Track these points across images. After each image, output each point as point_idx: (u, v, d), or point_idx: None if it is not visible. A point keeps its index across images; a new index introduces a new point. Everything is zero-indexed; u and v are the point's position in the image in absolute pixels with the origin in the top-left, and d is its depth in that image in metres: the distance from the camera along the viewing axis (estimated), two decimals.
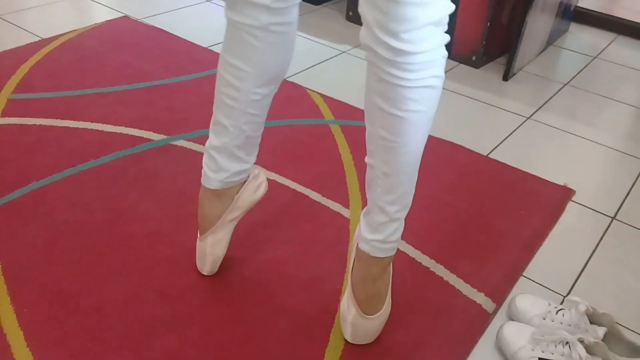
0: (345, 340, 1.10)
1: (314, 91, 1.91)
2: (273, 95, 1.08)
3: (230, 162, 1.09)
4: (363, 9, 0.83)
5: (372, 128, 0.91)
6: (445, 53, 0.85)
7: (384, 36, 0.80)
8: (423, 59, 0.81)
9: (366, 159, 0.97)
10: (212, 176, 1.11)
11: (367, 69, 0.88)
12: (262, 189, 1.18)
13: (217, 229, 1.15)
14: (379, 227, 0.99)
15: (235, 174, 1.11)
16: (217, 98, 1.07)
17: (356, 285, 1.04)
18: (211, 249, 1.16)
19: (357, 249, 1.04)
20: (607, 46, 2.51)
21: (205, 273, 1.20)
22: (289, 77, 1.99)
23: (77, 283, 1.17)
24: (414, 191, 0.99)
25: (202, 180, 1.13)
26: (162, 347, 1.06)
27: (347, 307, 1.06)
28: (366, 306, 1.04)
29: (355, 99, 1.88)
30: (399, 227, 1.00)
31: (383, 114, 0.87)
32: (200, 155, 1.56)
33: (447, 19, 0.82)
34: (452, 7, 0.82)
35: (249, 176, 1.16)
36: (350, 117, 1.78)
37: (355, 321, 1.06)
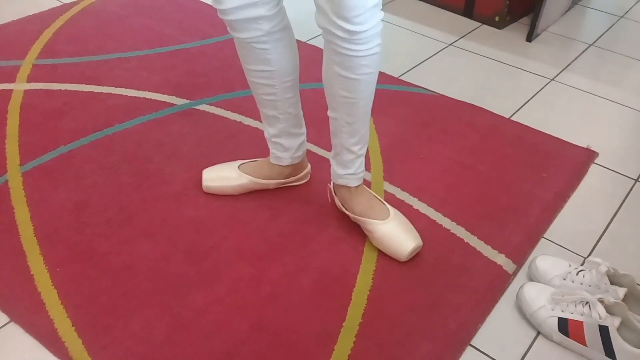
0: (367, 299, 1.13)
1: None
2: (299, 77, 1.23)
3: (292, 140, 1.28)
4: None
5: (333, 90, 1.11)
6: (381, 25, 1.02)
7: (339, 20, 0.97)
8: (370, 34, 1.00)
9: (329, 113, 1.17)
10: (282, 155, 1.30)
11: (324, 44, 1.06)
12: (306, 176, 1.40)
13: (259, 179, 1.33)
14: (348, 164, 1.21)
15: (298, 147, 1.30)
16: (258, 99, 1.23)
17: (350, 205, 1.25)
18: (238, 184, 1.32)
19: (335, 185, 1.27)
20: (633, 5, 2.44)
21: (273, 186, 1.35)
22: (309, 40, 1.99)
23: (106, 243, 1.21)
24: (368, 129, 1.19)
25: (274, 161, 1.31)
26: (190, 303, 1.10)
27: (368, 228, 1.23)
28: (372, 212, 1.23)
29: None
30: (362, 161, 1.23)
31: (342, 78, 1.07)
32: (222, 119, 1.57)
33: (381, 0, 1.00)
34: None
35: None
36: None
37: (381, 230, 1.21)
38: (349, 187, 1.24)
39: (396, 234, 1.20)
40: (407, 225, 1.23)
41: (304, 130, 1.30)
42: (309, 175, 1.39)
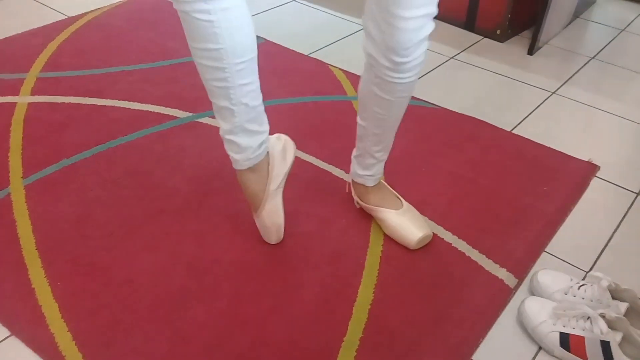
0: (368, 313, 1.13)
1: (336, 67, 1.91)
2: (256, 60, 1.08)
3: (249, 138, 1.13)
4: (368, 25, 1.01)
5: (367, 105, 1.15)
6: (426, 55, 1.04)
7: (387, 52, 1.00)
8: (414, 64, 1.03)
9: (358, 120, 1.20)
10: (239, 158, 1.15)
11: (365, 65, 1.07)
12: (291, 149, 1.24)
13: (267, 202, 1.20)
14: (368, 166, 1.26)
15: (258, 147, 1.15)
16: (208, 87, 1.08)
17: (367, 198, 1.31)
18: (270, 221, 1.22)
19: (353, 182, 1.32)
20: (635, 19, 2.45)
21: (273, 242, 1.26)
22: (311, 53, 2.00)
23: (108, 257, 1.21)
24: (393, 138, 1.23)
25: (234, 165, 1.18)
26: (192, 317, 1.10)
27: (382, 217, 1.29)
28: (388, 202, 1.29)
29: None
30: (382, 165, 1.28)
31: (378, 98, 1.10)
32: None
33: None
34: (434, 25, 1.00)
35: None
36: None
37: (395, 219, 1.27)
38: (367, 186, 1.29)
39: (407, 224, 1.26)
40: (418, 217, 1.28)
41: (265, 128, 1.15)
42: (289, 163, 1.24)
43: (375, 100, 1.11)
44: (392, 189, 1.33)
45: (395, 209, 1.29)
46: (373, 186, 1.30)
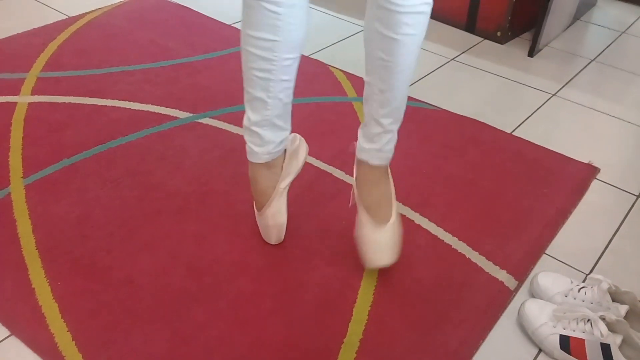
0: (368, 314, 1.13)
1: (336, 68, 1.91)
2: (300, 58, 1.10)
3: (273, 133, 1.13)
4: None
5: (371, 50, 1.03)
6: None
7: None
8: None
9: (364, 77, 1.08)
10: (259, 151, 1.15)
11: None
12: (304, 150, 1.24)
13: (274, 200, 1.19)
14: (374, 138, 1.12)
15: (279, 144, 1.16)
16: (248, 75, 1.08)
17: (362, 192, 1.16)
18: (273, 220, 1.20)
19: (357, 160, 1.17)
20: (635, 21, 2.46)
21: (273, 243, 1.25)
22: (312, 54, 2.00)
23: (108, 257, 1.21)
24: (405, 107, 1.11)
25: (250, 157, 1.17)
26: (191, 318, 1.10)
27: (361, 223, 1.16)
28: (377, 213, 1.15)
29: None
30: (392, 138, 1.13)
31: (381, 37, 0.99)
32: (225, 132, 1.58)
33: None
34: None
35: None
36: None
37: (370, 235, 1.14)
38: (370, 165, 1.14)
39: (376, 245, 1.15)
40: (391, 241, 1.16)
41: (289, 126, 1.17)
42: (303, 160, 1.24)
43: (378, 40, 1.00)
44: (392, 190, 1.19)
45: (378, 223, 1.15)
46: (375, 176, 1.15)
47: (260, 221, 1.23)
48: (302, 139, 1.26)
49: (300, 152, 1.23)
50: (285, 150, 1.20)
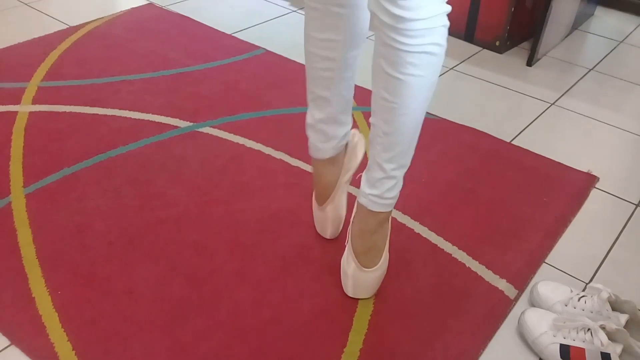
0: (368, 324, 1.13)
1: None
2: (361, 54, 1.12)
3: (337, 128, 1.16)
4: None
5: (376, 89, 0.98)
6: (446, 23, 0.90)
7: (385, 2, 0.86)
8: (421, 26, 0.87)
9: (370, 119, 1.03)
10: (324, 147, 1.18)
11: (375, 33, 0.93)
12: (362, 145, 1.26)
13: (337, 194, 1.22)
14: (376, 183, 1.05)
15: (342, 138, 1.19)
16: (312, 75, 1.12)
17: (355, 238, 1.12)
18: (334, 213, 1.24)
19: (357, 203, 1.12)
20: (633, 31, 2.47)
21: (328, 237, 1.28)
22: None
23: (108, 266, 1.21)
24: (412, 153, 1.05)
25: (314, 154, 1.20)
26: (191, 328, 1.10)
27: (347, 261, 1.14)
28: (364, 259, 1.12)
29: None
30: (395, 185, 1.06)
31: (385, 76, 0.93)
32: (225, 142, 1.58)
33: None
34: None
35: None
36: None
37: (354, 274, 1.13)
38: (369, 210, 1.07)
39: (354, 281, 1.14)
40: (371, 282, 1.15)
41: (350, 119, 1.19)
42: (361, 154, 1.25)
43: (382, 80, 0.94)
44: (387, 237, 1.13)
45: (367, 267, 1.12)
46: (372, 222, 1.08)
47: (320, 215, 1.26)
48: (361, 135, 1.28)
49: (359, 147, 1.25)
50: (346, 145, 1.23)
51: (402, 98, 0.94)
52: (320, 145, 1.18)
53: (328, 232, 1.28)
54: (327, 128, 1.16)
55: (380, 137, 1.01)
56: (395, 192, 1.07)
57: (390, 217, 1.13)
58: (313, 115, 1.16)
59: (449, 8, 0.89)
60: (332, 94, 1.12)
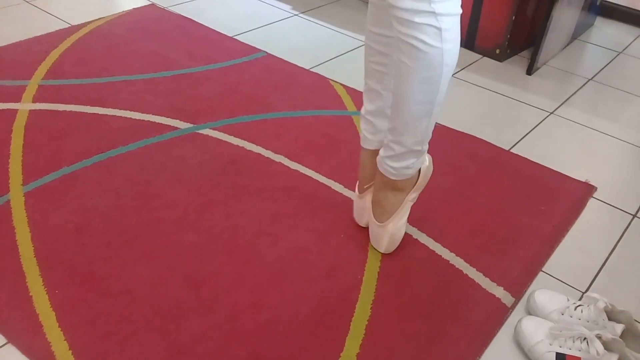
0: (365, 329, 1.13)
1: (336, 82, 1.92)
2: None
3: (384, 121, 1.23)
4: None
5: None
6: (437, 24, 0.99)
7: None
8: (403, 16, 0.98)
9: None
10: (371, 138, 1.25)
11: None
12: (428, 168, 1.30)
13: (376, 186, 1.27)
14: (385, 147, 1.19)
15: (387, 132, 1.22)
16: (368, 67, 1.20)
17: (374, 188, 1.26)
18: (370, 204, 1.28)
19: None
20: (632, 41, 2.48)
21: (363, 225, 1.34)
22: (313, 67, 2.01)
23: (106, 266, 1.21)
24: (411, 138, 1.13)
25: (363, 143, 1.28)
26: (188, 330, 1.10)
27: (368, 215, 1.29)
28: (374, 210, 1.26)
29: None
30: (394, 156, 1.17)
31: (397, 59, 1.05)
32: (225, 143, 1.58)
33: None
34: None
35: None
36: None
37: (371, 224, 1.28)
38: (378, 167, 1.22)
39: (371, 232, 1.29)
40: (384, 237, 1.27)
41: None
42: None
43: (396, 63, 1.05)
44: (399, 209, 1.25)
45: (377, 219, 1.26)
46: (380, 179, 1.22)
47: (358, 203, 1.32)
48: (431, 161, 1.31)
49: (428, 174, 1.29)
50: None
51: (395, 78, 1.07)
52: (369, 136, 1.25)
53: (363, 220, 1.34)
54: (376, 120, 1.23)
55: (390, 107, 1.16)
56: (396, 165, 1.18)
57: (404, 200, 1.25)
58: (365, 106, 1.24)
59: (440, 9, 0.97)
60: (383, 88, 1.19)
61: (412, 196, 1.27)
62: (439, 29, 0.99)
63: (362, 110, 1.25)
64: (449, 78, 1.06)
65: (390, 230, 1.26)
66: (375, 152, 1.25)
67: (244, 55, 2.02)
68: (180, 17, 2.24)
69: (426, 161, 1.26)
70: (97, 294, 1.15)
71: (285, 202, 1.41)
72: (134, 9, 2.27)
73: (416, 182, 1.25)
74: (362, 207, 1.32)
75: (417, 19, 0.98)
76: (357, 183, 1.32)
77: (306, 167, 1.53)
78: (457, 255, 1.31)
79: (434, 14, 0.98)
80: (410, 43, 1.01)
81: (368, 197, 1.29)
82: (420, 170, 1.25)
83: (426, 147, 1.18)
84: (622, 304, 1.20)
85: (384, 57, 1.16)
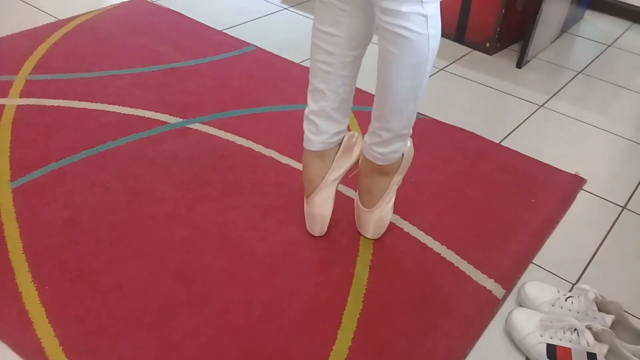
0: (357, 322, 1.13)
1: None
2: (362, 57, 1.18)
3: (329, 124, 1.21)
4: None
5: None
6: (422, 11, 1.00)
7: None
8: (389, 6, 0.99)
9: None
10: (313, 139, 1.22)
11: None
12: (359, 149, 1.28)
13: (322, 189, 1.25)
14: (370, 133, 1.19)
15: (333, 135, 1.23)
16: (313, 66, 1.18)
17: (360, 174, 1.27)
18: (319, 210, 1.26)
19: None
20: (621, 34, 2.49)
21: (316, 234, 1.30)
22: (303, 61, 2.00)
23: (96, 262, 1.20)
24: (398, 124, 1.14)
25: (305, 144, 1.24)
26: (180, 325, 1.09)
27: (356, 203, 1.30)
28: (361, 196, 1.28)
29: (366, 85, 1.88)
30: (381, 143, 1.17)
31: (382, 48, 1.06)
32: (215, 138, 1.58)
33: None
34: None
35: (344, 137, 1.27)
36: (364, 103, 1.79)
37: (358, 211, 1.29)
38: (363, 153, 1.22)
39: (357, 218, 1.31)
40: (371, 223, 1.28)
41: (346, 120, 1.24)
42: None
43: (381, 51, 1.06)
44: (386, 194, 1.27)
45: (363, 204, 1.27)
46: (367, 164, 1.23)
47: (307, 209, 1.29)
48: (360, 137, 1.29)
49: (355, 150, 1.28)
50: (340, 144, 1.26)
51: (381, 67, 1.07)
52: (311, 137, 1.22)
53: (316, 229, 1.29)
54: (319, 121, 1.20)
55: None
56: (384, 150, 1.19)
57: (390, 184, 1.26)
58: (309, 105, 1.21)
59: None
60: (327, 88, 1.17)
61: (398, 178, 1.27)
62: (425, 16, 1.01)
63: (306, 110, 1.22)
64: (433, 61, 1.08)
65: (377, 215, 1.27)
66: (318, 154, 1.23)
67: (233, 50, 2.01)
68: (169, 11, 2.23)
69: (408, 143, 1.27)
70: (87, 290, 1.14)
71: (276, 197, 1.41)
72: (122, 2, 2.25)
73: (400, 164, 1.26)
74: (311, 214, 1.27)
75: (404, 8, 0.99)
76: (305, 191, 1.28)
77: (297, 161, 1.53)
78: (448, 248, 1.31)
79: (420, 1, 0.99)
80: (396, 32, 1.01)
81: (315, 202, 1.25)
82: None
83: (411, 130, 1.19)
84: (612, 295, 1.21)
85: (330, 56, 1.14)
